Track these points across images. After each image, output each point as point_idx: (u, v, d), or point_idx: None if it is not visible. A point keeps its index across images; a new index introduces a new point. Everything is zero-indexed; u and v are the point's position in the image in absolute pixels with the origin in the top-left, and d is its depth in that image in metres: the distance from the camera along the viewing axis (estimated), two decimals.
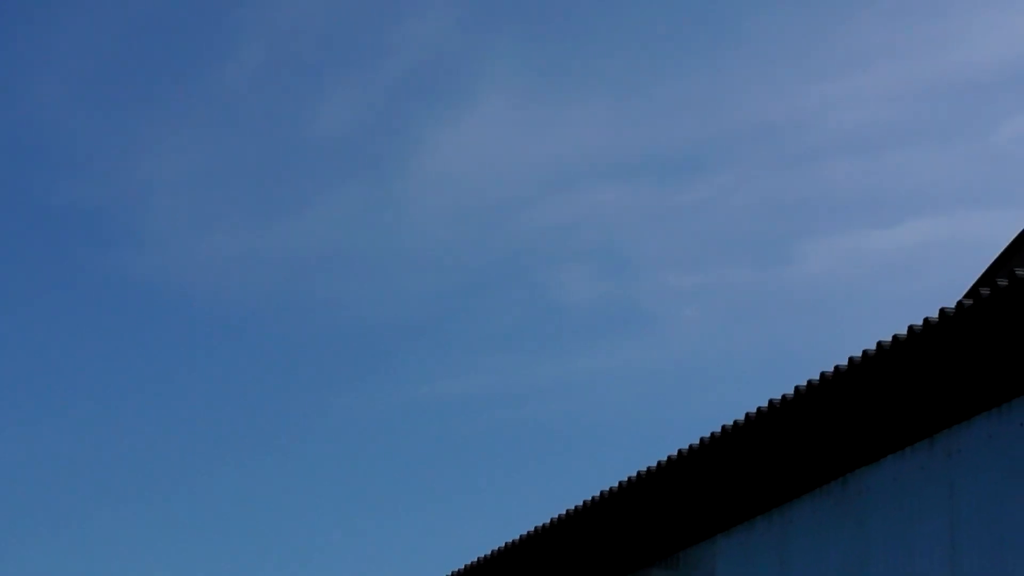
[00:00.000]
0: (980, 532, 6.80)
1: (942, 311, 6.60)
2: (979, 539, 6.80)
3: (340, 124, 31.63)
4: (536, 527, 10.05)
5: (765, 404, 7.87)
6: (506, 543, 10.65)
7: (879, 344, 6.97)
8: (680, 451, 8.61)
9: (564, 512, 9.75)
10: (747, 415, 7.99)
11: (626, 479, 9.09)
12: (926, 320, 6.63)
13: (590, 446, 28.55)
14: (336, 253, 31.37)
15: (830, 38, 31.27)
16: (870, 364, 7.05)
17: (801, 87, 31.45)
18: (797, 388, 7.61)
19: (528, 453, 28.59)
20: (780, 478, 8.33)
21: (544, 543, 10.17)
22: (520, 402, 29.67)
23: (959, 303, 6.55)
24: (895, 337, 6.87)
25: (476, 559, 11.19)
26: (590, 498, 9.51)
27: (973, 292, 7.11)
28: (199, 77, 32.43)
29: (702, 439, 8.47)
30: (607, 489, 9.32)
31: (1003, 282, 6.10)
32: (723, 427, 8.22)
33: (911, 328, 6.77)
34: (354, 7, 31.63)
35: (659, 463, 8.79)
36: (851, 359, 7.17)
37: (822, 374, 7.41)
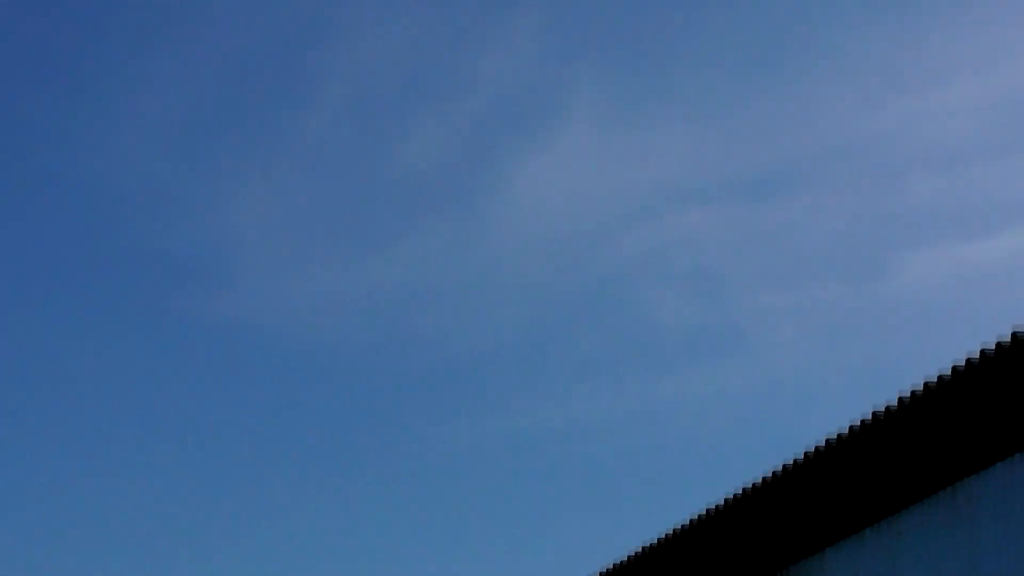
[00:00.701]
0: None
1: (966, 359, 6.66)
2: None
3: (426, 159, 31.78)
4: (644, 545, 10.20)
5: (869, 415, 7.92)
6: (613, 564, 10.79)
7: (983, 350, 6.99)
8: (785, 465, 8.67)
9: (671, 530, 9.87)
10: (851, 426, 8.03)
11: (731, 495, 9.18)
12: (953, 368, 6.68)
13: (690, 469, 28.43)
14: (427, 288, 31.47)
15: (912, 51, 30.76)
16: (974, 370, 7.06)
17: (884, 102, 30.53)
18: (900, 398, 7.63)
19: (627, 478, 28.44)
20: (887, 489, 8.32)
21: (653, 561, 10.29)
22: (618, 429, 29.43)
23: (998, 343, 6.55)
24: (999, 342, 6.89)
25: None
26: (696, 516, 9.62)
27: None
28: (284, 120, 32.61)
29: (806, 453, 8.52)
30: (712, 506, 9.41)
31: None
32: (827, 439, 8.27)
33: (1015, 332, 6.79)
34: (435, 42, 31.59)
35: (764, 478, 8.85)
36: (955, 366, 7.18)
37: (925, 382, 7.42)
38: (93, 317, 31.31)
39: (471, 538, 28.85)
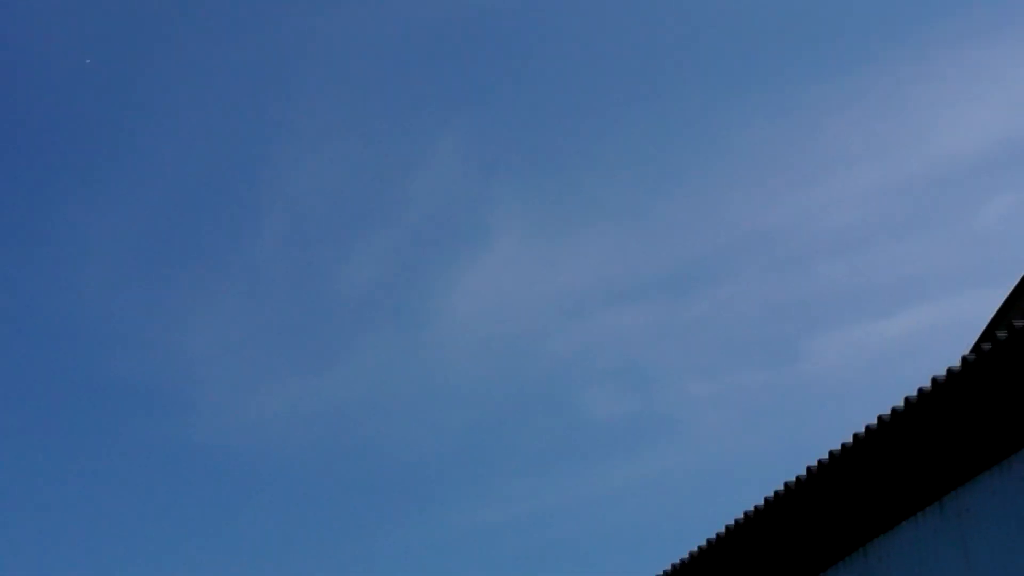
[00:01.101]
0: None
1: (934, 379, 7.15)
2: None
3: (365, 277, 34.02)
4: None
5: (780, 487, 8.34)
6: None
7: (880, 417, 7.50)
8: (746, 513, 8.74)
9: None
10: (765, 498, 8.44)
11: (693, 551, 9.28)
12: (933, 381, 7.11)
13: (624, 549, 29.48)
14: (374, 398, 33.28)
15: (811, 144, 33.32)
16: (875, 435, 7.55)
17: (789, 193, 33.16)
18: (799, 476, 8.04)
19: (562, 563, 29.15)
20: (799, 555, 8.73)
21: None
22: (555, 519, 31.05)
23: (963, 358, 6.99)
24: (893, 410, 7.41)
25: None
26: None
27: (975, 348, 7.63)
28: (229, 248, 34.77)
29: (718, 534, 8.85)
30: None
31: (1003, 334, 6.59)
32: (745, 513, 8.66)
33: (907, 399, 7.31)
34: (365, 166, 34.02)
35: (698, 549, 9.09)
36: (855, 434, 7.69)
37: (830, 452, 7.90)
38: (57, 446, 32.14)
39: None
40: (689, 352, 32.71)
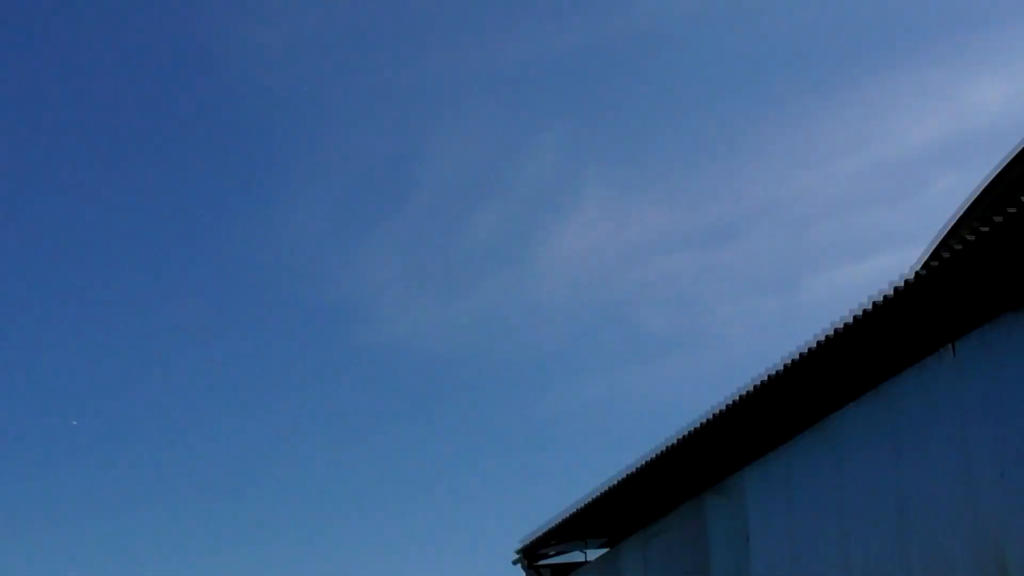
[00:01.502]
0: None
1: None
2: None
3: (487, 231, 50.85)
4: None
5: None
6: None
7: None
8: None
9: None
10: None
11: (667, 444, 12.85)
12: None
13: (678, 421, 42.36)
14: (499, 314, 50.66)
15: (810, 137, 46.86)
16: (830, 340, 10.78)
17: (792, 173, 47.86)
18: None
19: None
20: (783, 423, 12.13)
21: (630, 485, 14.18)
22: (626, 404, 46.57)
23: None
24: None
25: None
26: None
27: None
28: (394, 209, 51.93)
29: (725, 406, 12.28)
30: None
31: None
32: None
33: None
34: (487, 151, 50.81)
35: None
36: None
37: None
38: (282, 358, 49.67)
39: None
40: (721, 285, 48.56)
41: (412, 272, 52.30)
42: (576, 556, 18.78)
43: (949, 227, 13.30)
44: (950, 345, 9.90)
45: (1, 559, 44.70)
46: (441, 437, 48.05)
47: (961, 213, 13.20)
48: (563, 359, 50.19)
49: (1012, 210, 7.89)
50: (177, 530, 44.79)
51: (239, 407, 48.66)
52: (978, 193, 12.82)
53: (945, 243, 12.34)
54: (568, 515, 16.04)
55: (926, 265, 9.67)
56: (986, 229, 8.21)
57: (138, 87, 49.30)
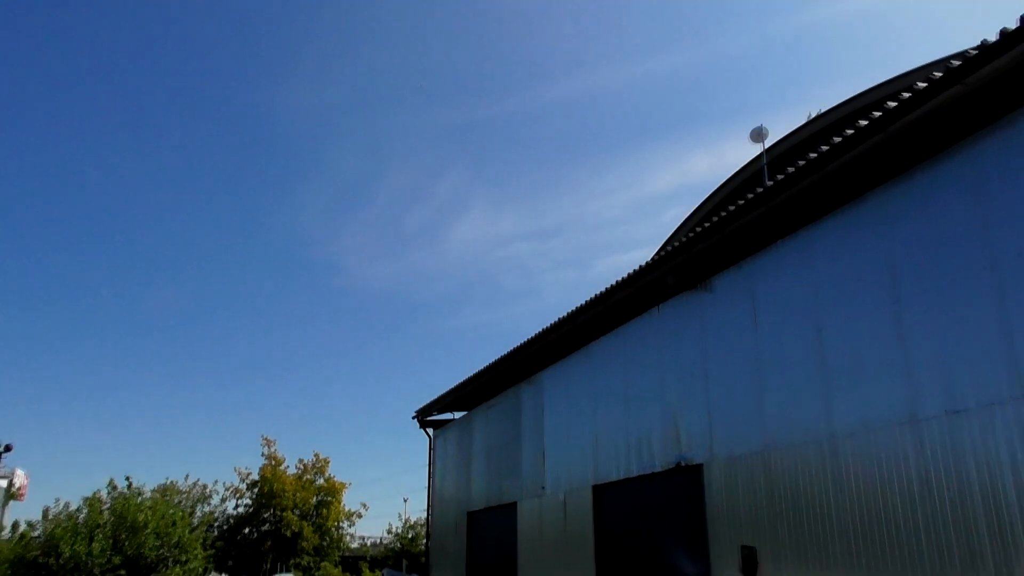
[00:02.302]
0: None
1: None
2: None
3: (418, 222, 54.40)
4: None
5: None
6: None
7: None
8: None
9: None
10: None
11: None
12: None
13: None
14: (418, 272, 62.19)
15: (602, 180, 57.69)
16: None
17: (587, 200, 59.02)
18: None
19: None
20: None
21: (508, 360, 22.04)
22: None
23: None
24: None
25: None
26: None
27: None
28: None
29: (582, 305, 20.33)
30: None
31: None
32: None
33: None
34: (421, 174, 54.54)
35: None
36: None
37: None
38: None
39: None
40: (546, 262, 60.88)
41: (371, 245, 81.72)
42: (448, 417, 28.51)
43: (668, 236, 21.92)
44: (656, 308, 18.21)
45: None
46: (382, 343, 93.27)
47: (675, 229, 21.85)
48: (456, 301, 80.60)
49: (701, 227, 16.15)
50: None
51: (260, 330, 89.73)
52: (685, 218, 21.47)
53: (665, 245, 20.90)
54: (444, 393, 25.85)
55: (655, 257, 17.97)
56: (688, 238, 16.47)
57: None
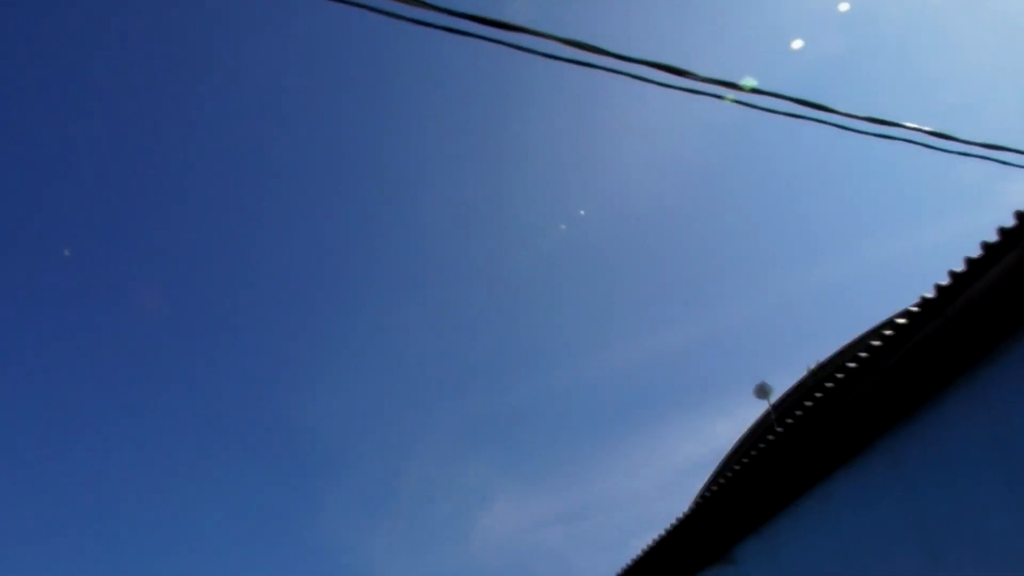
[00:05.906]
0: None
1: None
2: None
3: (445, 514, 60.56)
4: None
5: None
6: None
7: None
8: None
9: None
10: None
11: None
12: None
13: None
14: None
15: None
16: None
17: (613, 478, 60.50)
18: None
19: None
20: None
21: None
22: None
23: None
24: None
25: None
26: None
27: None
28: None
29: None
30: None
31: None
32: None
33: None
34: (449, 462, 62.06)
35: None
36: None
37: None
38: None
39: None
40: (578, 544, 59.03)
41: (397, 544, 67.49)
42: None
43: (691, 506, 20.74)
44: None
45: None
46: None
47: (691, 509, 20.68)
48: None
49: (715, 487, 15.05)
50: None
51: None
52: (700, 491, 20.34)
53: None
54: None
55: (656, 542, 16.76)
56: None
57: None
